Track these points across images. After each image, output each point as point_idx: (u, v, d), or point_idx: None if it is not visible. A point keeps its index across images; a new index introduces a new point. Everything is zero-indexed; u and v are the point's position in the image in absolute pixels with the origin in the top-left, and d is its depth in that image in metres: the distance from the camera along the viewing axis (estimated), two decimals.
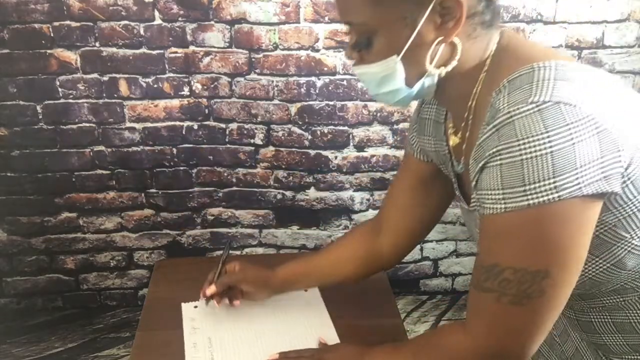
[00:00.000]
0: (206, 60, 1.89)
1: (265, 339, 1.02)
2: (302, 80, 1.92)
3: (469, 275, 2.15)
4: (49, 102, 1.90)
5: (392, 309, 1.13)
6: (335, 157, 2.04)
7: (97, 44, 1.84)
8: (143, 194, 2.06)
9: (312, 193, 2.09)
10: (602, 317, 0.79)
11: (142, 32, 1.84)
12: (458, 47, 0.69)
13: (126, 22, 1.82)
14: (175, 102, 1.94)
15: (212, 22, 1.84)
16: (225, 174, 2.05)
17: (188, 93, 1.93)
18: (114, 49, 1.85)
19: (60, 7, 1.79)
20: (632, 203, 0.65)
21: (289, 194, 2.09)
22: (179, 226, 2.12)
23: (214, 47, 1.87)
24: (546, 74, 0.63)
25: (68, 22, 1.81)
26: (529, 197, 0.61)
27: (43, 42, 1.82)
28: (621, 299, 0.75)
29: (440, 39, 0.68)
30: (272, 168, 2.05)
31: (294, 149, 2.02)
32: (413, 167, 0.95)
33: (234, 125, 1.98)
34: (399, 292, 2.27)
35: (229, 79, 1.92)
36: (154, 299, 1.17)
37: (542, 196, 0.60)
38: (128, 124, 1.95)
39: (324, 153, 2.03)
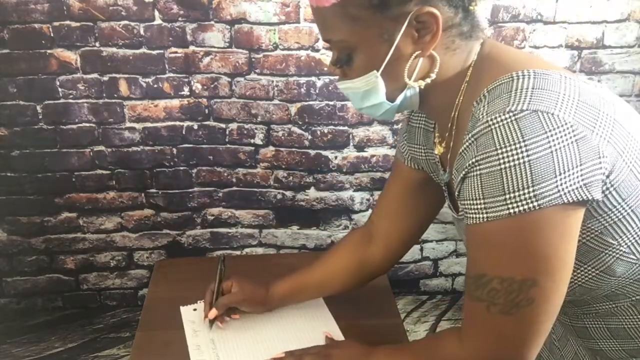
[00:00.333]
0: (206, 60, 1.89)
1: (268, 339, 1.02)
2: (302, 80, 1.92)
3: None
4: (49, 102, 1.90)
5: (392, 309, 1.14)
6: (335, 157, 2.04)
7: (97, 44, 1.84)
8: (143, 194, 2.06)
9: (312, 193, 2.09)
10: (596, 323, 0.79)
11: (142, 32, 1.84)
12: (437, 59, 0.70)
13: (126, 22, 1.82)
14: (175, 102, 1.94)
15: (212, 22, 1.84)
16: (225, 174, 2.05)
17: (188, 93, 1.93)
18: (114, 49, 1.85)
19: (60, 7, 1.79)
20: (617, 210, 0.65)
21: (289, 194, 2.09)
22: (179, 226, 2.12)
23: (214, 47, 1.87)
24: (524, 83, 0.64)
25: (68, 22, 1.81)
26: (510, 206, 0.61)
27: (43, 42, 1.82)
28: (613, 305, 0.75)
29: (418, 52, 0.69)
30: (272, 168, 2.05)
31: (294, 149, 2.02)
32: (403, 174, 0.95)
33: (234, 125, 1.98)
34: (399, 292, 2.27)
35: (229, 79, 1.92)
36: (154, 299, 1.17)
37: (522, 205, 0.60)
38: (128, 124, 1.95)
39: (324, 153, 2.03)
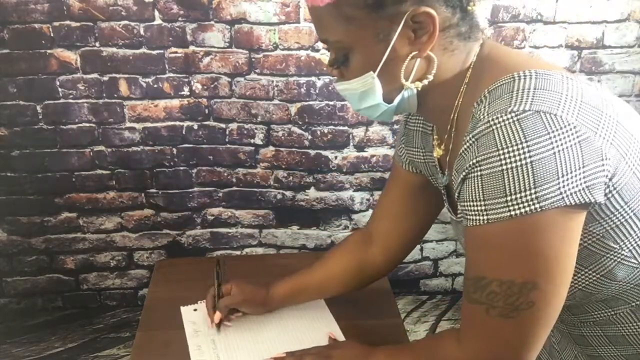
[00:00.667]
0: (206, 60, 1.89)
1: (269, 339, 1.02)
2: (302, 80, 1.92)
3: None
4: (49, 102, 1.90)
5: (392, 309, 1.13)
6: (335, 157, 2.04)
7: (97, 44, 1.84)
8: (143, 194, 2.06)
9: (312, 193, 2.09)
10: (594, 331, 0.78)
11: (142, 32, 1.84)
12: (434, 60, 0.69)
13: (126, 22, 1.82)
14: (175, 102, 1.94)
15: (212, 22, 1.84)
16: (225, 174, 2.05)
17: (188, 93, 1.93)
18: (114, 49, 1.85)
19: (60, 7, 1.79)
20: (619, 213, 0.64)
21: (289, 194, 2.09)
22: (179, 226, 2.12)
23: (214, 47, 1.87)
24: (526, 83, 0.63)
25: (68, 22, 1.81)
26: (511, 208, 0.60)
27: (43, 42, 1.82)
28: (612, 312, 0.75)
29: (414, 53, 0.68)
30: (272, 168, 2.05)
31: (294, 149, 2.02)
32: (402, 177, 0.95)
33: (234, 125, 1.98)
34: (399, 292, 2.27)
35: (229, 79, 1.92)
36: (154, 299, 1.17)
37: (524, 207, 0.59)
38: (128, 124, 1.95)
39: (324, 153, 2.03)
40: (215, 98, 1.94)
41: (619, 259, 0.68)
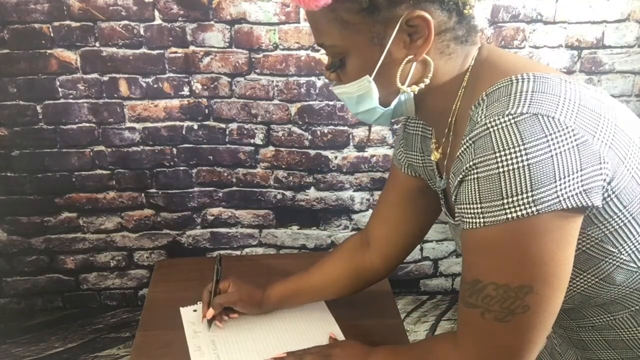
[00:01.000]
0: (206, 60, 1.89)
1: (269, 339, 1.02)
2: (302, 80, 1.92)
3: None
4: (49, 102, 1.90)
5: (392, 309, 1.14)
6: (335, 157, 2.04)
7: (97, 44, 1.84)
8: (143, 194, 2.06)
9: (312, 193, 2.09)
10: (593, 336, 0.78)
11: (142, 32, 1.84)
12: (430, 64, 0.69)
13: (126, 22, 1.82)
14: (175, 102, 1.94)
15: (212, 22, 1.84)
16: (225, 174, 2.05)
17: (188, 93, 1.93)
18: (114, 49, 1.85)
19: (60, 7, 1.79)
20: (617, 217, 0.64)
21: (289, 194, 2.09)
22: (179, 226, 2.12)
23: (214, 47, 1.87)
24: (524, 86, 0.62)
25: (68, 22, 1.81)
26: (507, 211, 0.59)
27: (43, 42, 1.82)
28: (611, 317, 0.74)
29: (410, 57, 0.68)
30: (272, 168, 2.05)
31: (294, 149, 2.02)
32: (400, 181, 0.95)
33: (234, 125, 1.98)
34: (399, 292, 2.27)
35: (229, 79, 1.92)
36: (154, 299, 1.17)
37: (520, 210, 0.59)
38: (128, 124, 1.95)
39: (324, 153, 2.03)
40: (215, 98, 1.94)
41: (618, 263, 0.67)
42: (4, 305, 2.16)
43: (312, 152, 2.02)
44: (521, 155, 0.58)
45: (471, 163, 0.62)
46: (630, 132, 0.65)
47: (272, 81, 1.92)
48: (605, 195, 0.62)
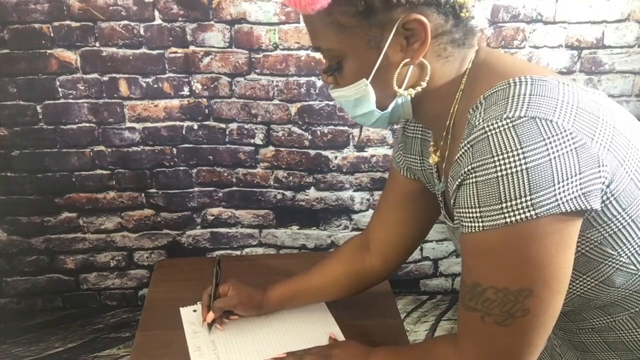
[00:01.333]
0: (206, 60, 1.89)
1: (269, 339, 1.02)
2: (302, 80, 1.92)
3: None
4: (49, 102, 1.90)
5: (392, 309, 1.14)
6: (335, 157, 2.04)
7: (97, 44, 1.84)
8: (143, 194, 2.06)
9: (312, 193, 2.09)
10: (593, 338, 0.78)
11: (142, 32, 1.84)
12: (427, 67, 0.69)
13: (126, 22, 1.82)
14: (175, 102, 1.94)
15: (212, 22, 1.84)
16: (225, 174, 2.05)
17: (188, 93, 1.93)
18: (114, 49, 1.85)
19: (60, 7, 1.79)
20: (616, 220, 0.64)
21: (289, 194, 2.09)
22: (179, 226, 2.12)
23: (214, 47, 1.87)
24: (522, 90, 0.62)
25: (68, 22, 1.81)
26: (506, 215, 0.59)
27: (43, 42, 1.82)
28: (611, 320, 0.74)
29: (407, 60, 0.68)
30: (272, 168, 2.05)
31: (294, 149, 2.02)
32: (399, 184, 0.95)
33: (234, 125, 1.98)
34: (399, 292, 2.27)
35: (229, 79, 1.92)
36: (154, 299, 1.17)
37: (519, 214, 0.58)
38: (128, 124, 1.95)
39: (324, 153, 2.03)
40: (215, 98, 1.94)
41: (618, 266, 0.67)
42: (4, 305, 2.16)
43: (312, 152, 2.02)
44: (519, 159, 0.58)
45: (469, 167, 0.62)
46: (629, 134, 0.65)
47: (272, 81, 1.92)
48: (604, 198, 0.61)
